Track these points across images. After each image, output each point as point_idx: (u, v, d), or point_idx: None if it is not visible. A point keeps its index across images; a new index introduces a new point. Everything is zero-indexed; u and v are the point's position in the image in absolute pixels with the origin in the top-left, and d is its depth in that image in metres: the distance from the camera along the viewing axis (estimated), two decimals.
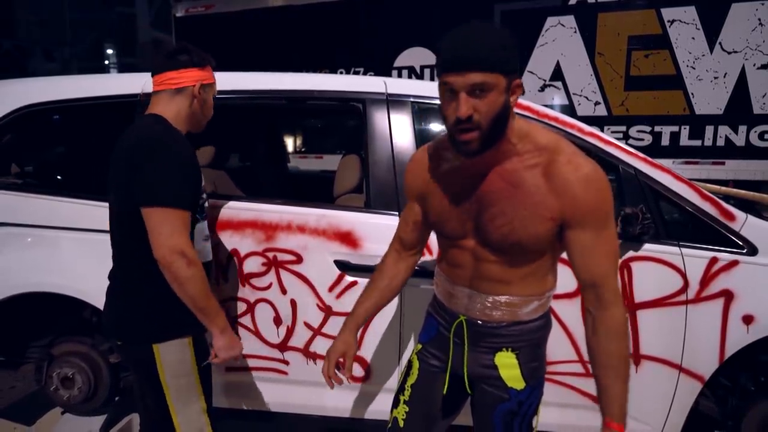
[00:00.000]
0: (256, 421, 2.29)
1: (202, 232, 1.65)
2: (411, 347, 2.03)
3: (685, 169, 5.22)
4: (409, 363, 1.50)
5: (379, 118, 2.08)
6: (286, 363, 2.12)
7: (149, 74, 2.21)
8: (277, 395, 2.17)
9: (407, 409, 1.46)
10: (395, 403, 1.51)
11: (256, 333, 2.10)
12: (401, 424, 1.47)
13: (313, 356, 2.10)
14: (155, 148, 1.46)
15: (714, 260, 1.90)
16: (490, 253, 1.24)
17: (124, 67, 27.64)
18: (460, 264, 1.31)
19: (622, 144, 2.02)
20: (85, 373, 2.36)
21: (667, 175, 1.97)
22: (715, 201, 1.95)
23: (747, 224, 1.93)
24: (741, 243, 1.92)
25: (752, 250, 1.91)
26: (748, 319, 1.89)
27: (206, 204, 1.69)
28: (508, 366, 1.32)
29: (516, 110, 2.03)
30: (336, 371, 1.46)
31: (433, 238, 1.47)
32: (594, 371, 1.22)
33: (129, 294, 1.56)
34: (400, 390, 1.50)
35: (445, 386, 1.40)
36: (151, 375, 1.56)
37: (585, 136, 2.00)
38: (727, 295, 1.89)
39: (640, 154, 2.00)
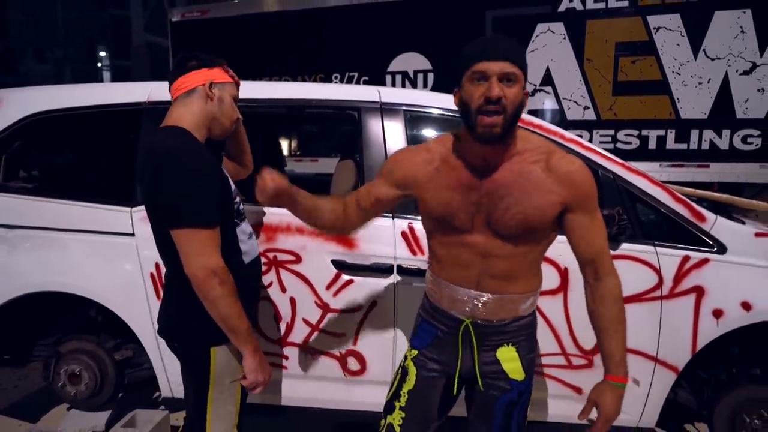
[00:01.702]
0: (255, 414, 2.38)
1: (244, 232, 1.66)
2: (404, 342, 2.13)
3: (672, 172, 5.31)
4: (405, 370, 1.52)
5: (374, 125, 2.19)
6: (286, 358, 2.23)
7: (155, 82, 2.33)
8: (278, 389, 2.27)
9: (403, 415, 1.49)
10: (389, 409, 1.52)
11: (258, 329, 2.20)
12: (397, 429, 1.49)
13: (312, 351, 2.21)
14: (171, 167, 1.43)
15: (686, 258, 2.03)
16: (500, 246, 1.33)
17: (117, 70, 27.47)
18: (466, 264, 1.37)
19: (600, 150, 2.14)
20: (92, 369, 2.46)
21: (642, 179, 2.10)
22: (687, 203, 2.08)
23: (717, 225, 2.07)
24: (711, 242, 2.06)
25: (722, 249, 2.05)
26: (717, 313, 2.02)
27: (242, 206, 1.70)
28: (509, 359, 1.42)
29: None
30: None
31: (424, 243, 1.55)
32: (596, 334, 1.38)
33: (184, 300, 1.53)
34: (395, 396, 1.52)
35: (454, 389, 1.47)
36: (201, 373, 1.60)
37: (566, 142, 2.12)
38: (699, 291, 2.02)
39: (618, 160, 2.13)
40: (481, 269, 1.37)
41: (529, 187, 1.29)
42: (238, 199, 1.65)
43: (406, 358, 1.54)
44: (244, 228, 1.67)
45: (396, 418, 1.50)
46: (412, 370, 1.50)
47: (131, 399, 2.84)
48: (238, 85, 1.70)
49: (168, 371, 2.29)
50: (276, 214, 2.15)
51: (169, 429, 2.59)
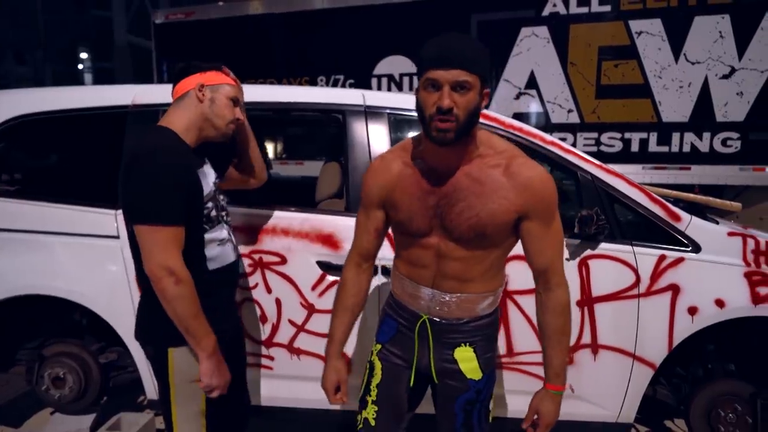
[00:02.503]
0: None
1: (214, 238, 1.64)
2: None
3: (654, 174, 5.39)
4: (371, 364, 1.56)
5: (358, 128, 2.22)
6: (272, 358, 2.25)
7: (140, 85, 2.34)
8: (263, 389, 2.29)
9: (376, 408, 1.53)
10: (363, 405, 1.57)
11: (243, 330, 2.22)
12: (373, 423, 1.53)
13: (297, 351, 2.23)
14: (139, 162, 1.46)
15: (662, 257, 2.08)
16: (454, 249, 1.35)
17: (99, 72, 27.12)
18: (424, 264, 1.40)
19: (579, 152, 2.19)
20: (76, 372, 2.45)
21: (620, 180, 2.15)
22: (663, 204, 2.14)
23: (692, 225, 2.13)
24: (686, 242, 2.12)
25: (696, 248, 2.11)
26: (692, 311, 2.08)
27: (222, 213, 1.69)
28: (466, 359, 1.45)
29: (484, 121, 2.19)
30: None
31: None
32: (540, 342, 1.43)
33: (148, 300, 1.58)
34: (366, 392, 1.56)
35: (411, 381, 1.50)
36: (162, 375, 1.63)
37: (546, 144, 2.17)
38: (674, 289, 2.07)
39: (596, 161, 2.18)
40: (437, 269, 1.39)
41: (484, 191, 1.29)
42: (210, 205, 1.62)
43: (372, 353, 1.58)
44: (216, 234, 1.64)
45: (370, 412, 1.54)
46: (378, 365, 1.54)
47: (116, 402, 2.83)
48: (237, 87, 1.71)
49: (153, 374, 2.28)
50: (261, 216, 2.17)
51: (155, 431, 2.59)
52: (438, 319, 1.44)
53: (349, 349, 2.20)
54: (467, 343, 1.44)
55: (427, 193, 1.34)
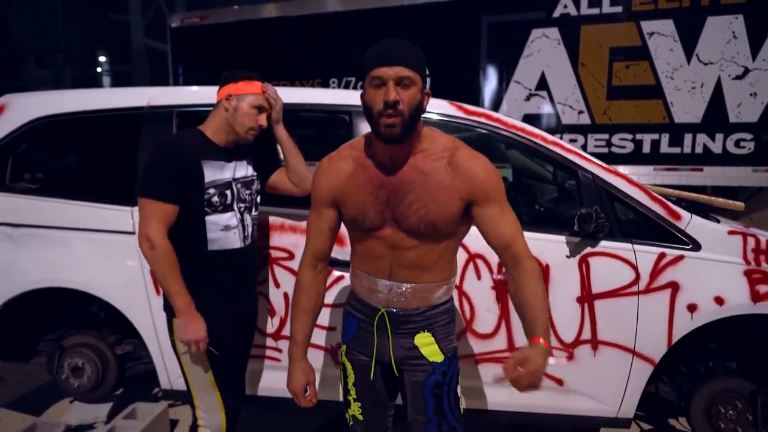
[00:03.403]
0: (251, 406, 2.45)
1: (217, 223, 1.83)
2: None
3: (665, 175, 5.33)
4: (343, 366, 1.61)
5: (364, 129, 2.27)
6: (280, 351, 2.32)
7: (155, 88, 2.44)
8: (272, 380, 2.36)
9: (360, 404, 1.59)
10: (347, 405, 1.62)
11: (254, 321, 2.28)
12: (361, 417, 1.59)
13: None
14: (152, 150, 1.80)
15: (662, 255, 2.11)
16: (407, 238, 1.40)
17: (117, 75, 27.56)
18: (378, 256, 1.45)
19: (580, 151, 2.23)
20: (94, 363, 2.55)
21: (620, 179, 2.18)
22: (663, 202, 2.17)
23: (692, 223, 2.16)
24: (686, 240, 2.14)
25: (696, 246, 2.14)
26: (692, 308, 2.10)
27: (240, 203, 1.89)
28: (426, 344, 1.49)
29: (488, 122, 2.24)
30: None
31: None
32: (520, 311, 1.36)
33: None
34: (346, 392, 1.61)
35: (371, 373, 1.53)
36: (173, 346, 1.84)
37: (548, 144, 2.21)
38: (674, 287, 2.10)
39: (597, 161, 2.22)
40: (392, 260, 1.44)
41: (430, 184, 1.36)
42: (212, 191, 1.81)
43: (341, 354, 1.62)
44: (218, 219, 1.83)
45: (355, 409, 1.60)
46: (348, 365, 1.59)
47: (132, 393, 2.93)
48: (263, 96, 1.92)
49: (167, 365, 2.38)
50: (270, 213, 2.24)
51: (168, 421, 2.67)
52: (395, 311, 1.48)
53: None
54: (425, 329, 1.49)
55: (378, 187, 1.39)
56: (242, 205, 1.90)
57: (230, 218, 1.86)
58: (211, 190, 1.81)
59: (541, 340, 1.27)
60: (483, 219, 1.40)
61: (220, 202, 1.83)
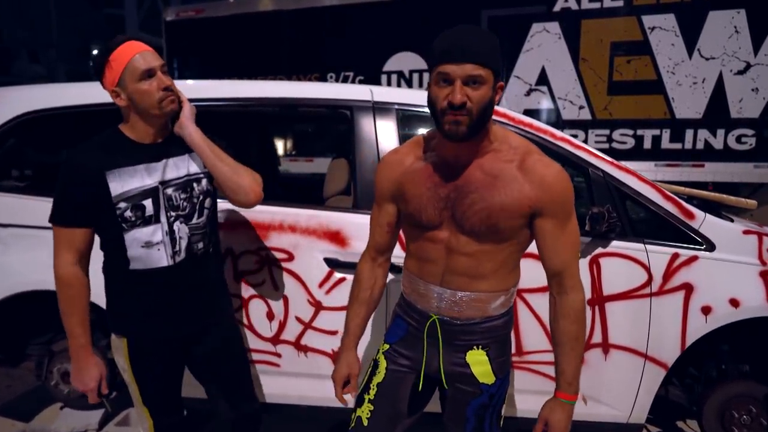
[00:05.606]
0: None
1: (137, 239, 1.56)
2: None
3: (666, 171, 5.33)
4: (375, 362, 1.53)
5: (366, 124, 2.20)
6: (279, 356, 2.24)
7: None
8: (270, 387, 2.28)
9: (371, 408, 1.49)
10: (359, 402, 1.52)
11: (250, 327, 2.21)
12: (365, 423, 1.48)
13: (304, 349, 2.21)
14: (60, 166, 1.55)
15: (675, 256, 2.04)
16: (464, 243, 1.31)
17: None
18: (433, 259, 1.37)
19: (590, 148, 2.15)
20: None
21: (632, 177, 2.11)
22: (676, 201, 2.10)
23: (706, 222, 2.09)
24: (700, 240, 2.07)
25: (710, 247, 2.07)
26: (706, 310, 2.04)
27: (146, 211, 1.56)
28: (479, 363, 1.40)
29: (494, 117, 2.16)
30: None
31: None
32: (553, 348, 1.37)
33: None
34: (365, 389, 1.52)
35: (420, 385, 1.45)
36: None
37: (557, 140, 2.13)
38: (688, 288, 2.03)
39: (608, 158, 2.14)
40: (446, 265, 1.36)
41: (497, 184, 1.26)
42: (123, 205, 1.53)
43: (378, 351, 1.55)
44: (137, 235, 1.56)
45: (365, 411, 1.50)
46: (383, 364, 1.51)
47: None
48: (137, 54, 1.50)
49: None
50: (268, 212, 2.16)
51: None
52: (448, 319, 1.40)
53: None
54: (480, 346, 1.40)
55: (439, 185, 1.32)
56: (173, 213, 1.59)
57: (153, 232, 1.57)
58: (122, 204, 1.52)
59: (566, 395, 1.29)
60: (543, 233, 1.30)
61: (135, 216, 1.54)
